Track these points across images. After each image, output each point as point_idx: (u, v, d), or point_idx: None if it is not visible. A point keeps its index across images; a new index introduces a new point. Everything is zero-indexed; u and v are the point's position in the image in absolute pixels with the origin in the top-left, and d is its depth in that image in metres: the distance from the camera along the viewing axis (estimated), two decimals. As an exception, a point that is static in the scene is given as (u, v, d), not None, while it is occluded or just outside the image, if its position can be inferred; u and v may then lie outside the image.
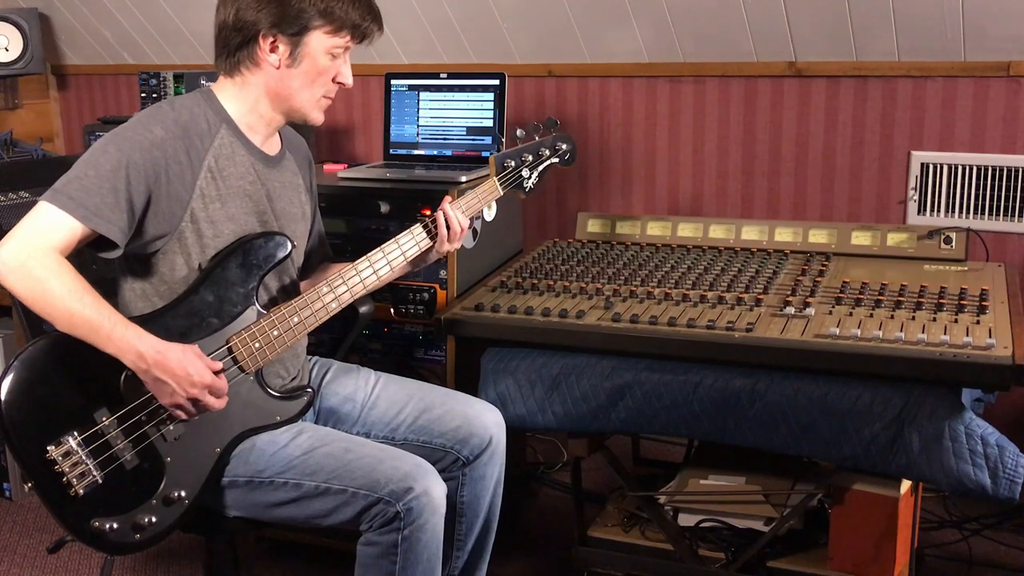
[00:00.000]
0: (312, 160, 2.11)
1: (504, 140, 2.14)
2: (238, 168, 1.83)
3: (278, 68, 1.80)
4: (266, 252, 1.82)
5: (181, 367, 1.64)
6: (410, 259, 1.96)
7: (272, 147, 1.93)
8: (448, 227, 1.96)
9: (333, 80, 1.85)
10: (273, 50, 1.79)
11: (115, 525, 1.66)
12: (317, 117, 1.88)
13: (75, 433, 1.64)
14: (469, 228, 2.03)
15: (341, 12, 1.79)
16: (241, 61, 1.82)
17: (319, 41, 1.80)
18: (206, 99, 1.84)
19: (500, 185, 2.08)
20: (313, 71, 1.82)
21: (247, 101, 1.84)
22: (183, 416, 1.70)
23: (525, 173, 2.12)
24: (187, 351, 1.67)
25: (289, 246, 1.84)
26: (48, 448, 1.61)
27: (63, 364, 1.66)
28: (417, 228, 1.96)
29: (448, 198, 2.01)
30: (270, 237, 1.83)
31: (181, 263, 1.78)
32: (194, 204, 1.76)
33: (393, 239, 1.93)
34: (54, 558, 2.68)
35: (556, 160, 2.19)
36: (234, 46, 1.81)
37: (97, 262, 1.76)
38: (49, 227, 1.63)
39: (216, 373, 1.70)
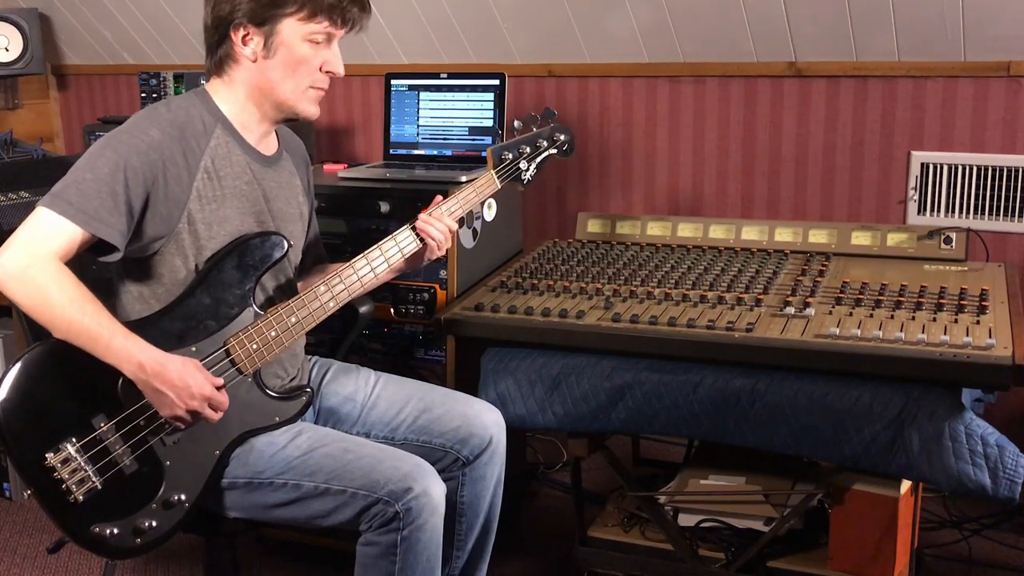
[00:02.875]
0: (309, 162, 2.10)
1: (505, 140, 2.13)
2: (234, 168, 1.82)
3: (255, 61, 1.78)
4: (262, 252, 1.81)
5: (181, 379, 1.64)
6: (408, 255, 1.95)
7: (268, 147, 1.92)
8: (432, 237, 1.93)
9: (321, 70, 1.82)
10: (246, 42, 1.77)
11: (115, 530, 1.66)
12: (307, 109, 1.84)
13: (73, 440, 1.63)
14: (468, 227, 2.02)
15: None
16: (223, 59, 1.81)
17: (293, 28, 1.77)
18: (201, 99, 1.83)
19: (498, 178, 2.07)
20: (291, 60, 1.78)
21: (237, 100, 1.83)
22: (181, 427, 1.70)
23: (523, 165, 2.11)
24: (187, 363, 1.67)
25: (285, 245, 1.83)
26: (47, 455, 1.61)
27: (60, 371, 1.65)
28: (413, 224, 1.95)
29: (437, 198, 1.99)
30: (266, 237, 1.83)
31: (179, 265, 1.78)
32: (191, 205, 1.76)
33: (390, 236, 1.92)
34: (54, 558, 2.68)
35: (554, 151, 2.18)
36: (214, 44, 1.80)
37: (95, 263, 1.76)
38: (49, 233, 1.63)
39: (218, 388, 1.70)
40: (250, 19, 1.75)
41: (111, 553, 1.69)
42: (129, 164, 1.67)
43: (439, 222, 1.94)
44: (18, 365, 1.62)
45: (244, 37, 1.77)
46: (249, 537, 2.00)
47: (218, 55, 1.81)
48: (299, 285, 2.02)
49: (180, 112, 1.78)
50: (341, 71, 1.84)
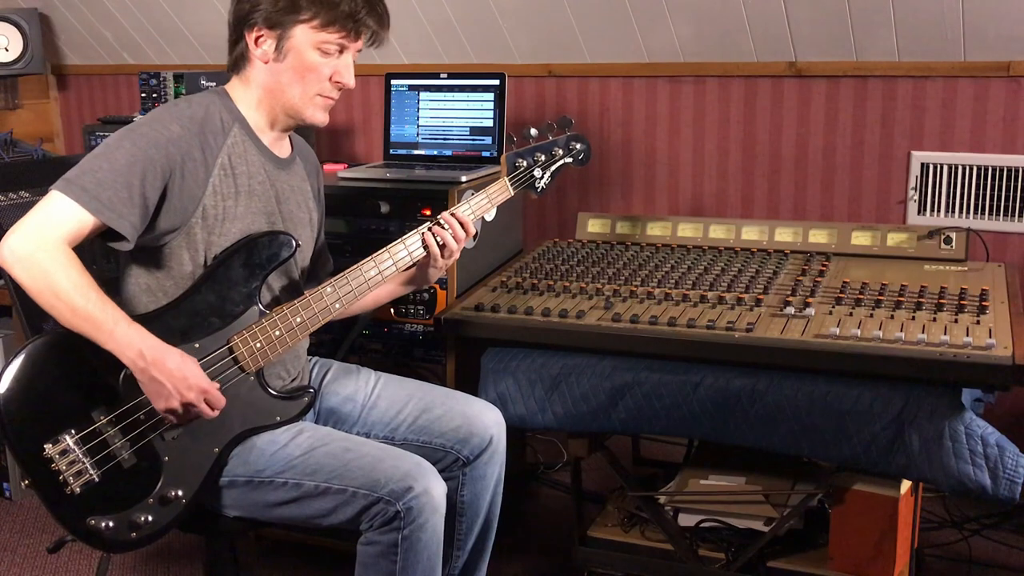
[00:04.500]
0: (321, 171, 2.11)
1: (507, 140, 2.12)
2: (250, 167, 1.83)
3: (267, 63, 1.81)
4: (270, 252, 1.81)
5: (179, 369, 1.64)
6: (416, 259, 1.94)
7: (283, 150, 1.93)
8: (446, 241, 1.92)
9: (331, 79, 1.83)
10: (259, 44, 1.80)
11: (111, 523, 1.66)
12: (314, 116, 1.86)
13: (72, 431, 1.64)
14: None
15: (329, 4, 1.77)
16: (239, 58, 1.84)
17: (305, 35, 1.78)
18: (220, 98, 1.84)
19: (511, 185, 2.06)
20: (300, 66, 1.80)
21: (252, 100, 1.85)
22: (175, 420, 1.69)
23: (537, 173, 2.10)
24: (187, 358, 1.67)
25: (293, 245, 1.83)
26: (45, 446, 1.62)
27: (61, 362, 1.66)
28: (423, 229, 1.94)
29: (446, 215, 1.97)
30: (274, 236, 1.83)
31: (187, 259, 1.78)
32: (206, 201, 1.77)
33: (399, 240, 1.91)
34: (54, 558, 2.68)
35: (570, 160, 2.16)
36: (233, 42, 1.83)
37: (99, 261, 1.76)
38: (61, 218, 1.63)
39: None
40: (266, 21, 1.77)
41: (106, 546, 1.69)
42: (148, 157, 1.68)
43: (452, 226, 1.92)
44: (21, 355, 1.63)
45: (258, 39, 1.80)
46: (248, 537, 2.00)
47: (235, 53, 1.84)
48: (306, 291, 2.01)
49: (200, 109, 1.79)
50: (351, 83, 1.85)
